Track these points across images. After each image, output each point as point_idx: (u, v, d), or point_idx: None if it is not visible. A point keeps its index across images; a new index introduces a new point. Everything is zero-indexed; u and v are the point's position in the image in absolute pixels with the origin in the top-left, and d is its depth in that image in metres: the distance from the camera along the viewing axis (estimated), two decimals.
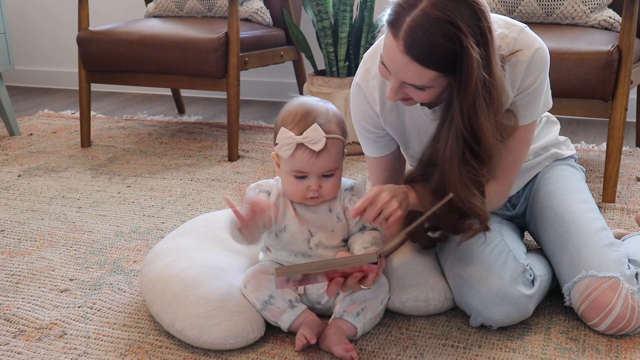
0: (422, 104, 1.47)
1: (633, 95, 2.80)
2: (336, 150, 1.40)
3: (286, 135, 1.38)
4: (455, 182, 1.35)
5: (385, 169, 1.62)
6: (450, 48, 1.24)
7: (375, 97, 1.51)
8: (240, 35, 2.68)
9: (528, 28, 1.42)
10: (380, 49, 1.47)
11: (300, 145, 1.37)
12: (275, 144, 1.43)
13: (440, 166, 1.37)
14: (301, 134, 1.37)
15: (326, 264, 1.31)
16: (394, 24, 1.28)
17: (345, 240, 1.48)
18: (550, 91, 1.50)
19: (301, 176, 1.40)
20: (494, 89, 1.30)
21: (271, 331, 1.46)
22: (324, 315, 1.48)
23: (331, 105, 1.46)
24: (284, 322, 1.42)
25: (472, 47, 1.24)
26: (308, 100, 1.44)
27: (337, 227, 1.46)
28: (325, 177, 1.41)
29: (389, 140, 1.59)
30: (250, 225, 1.38)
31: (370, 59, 1.52)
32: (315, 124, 1.37)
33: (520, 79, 1.39)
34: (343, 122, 1.44)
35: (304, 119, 1.38)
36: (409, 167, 1.81)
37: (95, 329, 1.50)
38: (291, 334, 1.45)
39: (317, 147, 1.37)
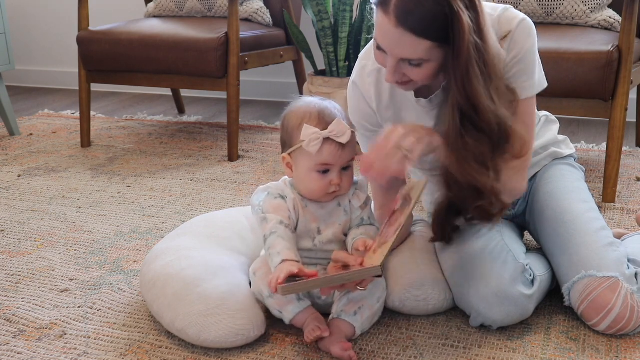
0: (417, 96, 1.49)
1: (633, 95, 2.80)
2: (354, 141, 1.44)
3: (312, 131, 1.39)
4: (454, 156, 1.34)
5: None
6: (440, 12, 1.25)
7: (371, 94, 1.53)
8: (240, 35, 2.68)
9: (512, 8, 1.45)
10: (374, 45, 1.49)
11: (326, 140, 1.40)
12: (285, 147, 1.46)
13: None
14: (325, 129, 1.39)
15: (331, 280, 1.32)
16: (382, 1, 1.29)
17: (345, 234, 1.50)
18: (543, 72, 1.49)
19: (325, 170, 1.42)
20: (487, 54, 1.31)
21: (272, 331, 1.46)
22: (324, 313, 1.48)
23: (333, 102, 1.49)
24: (289, 313, 1.42)
25: (462, 10, 1.25)
26: (311, 99, 1.47)
27: (343, 221, 1.48)
28: (344, 170, 1.44)
29: None
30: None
31: (365, 57, 1.55)
32: (338, 118, 1.41)
33: (506, 49, 1.40)
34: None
35: (322, 115, 1.42)
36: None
37: (95, 329, 1.50)
38: (292, 333, 1.45)
39: (344, 140, 1.40)
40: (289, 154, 1.45)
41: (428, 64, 1.32)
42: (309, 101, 1.46)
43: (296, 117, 1.43)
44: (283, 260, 1.34)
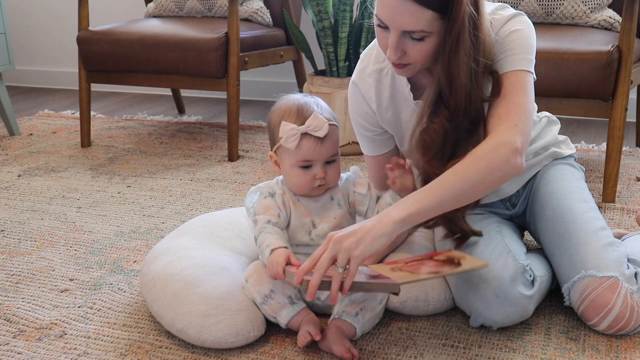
0: (415, 99, 1.49)
1: (633, 95, 2.80)
2: (336, 136, 1.46)
3: (289, 127, 1.42)
4: (425, 126, 1.37)
5: (382, 167, 1.63)
6: None
7: (371, 94, 1.54)
8: (240, 35, 2.68)
9: (509, 6, 1.46)
10: (375, 47, 1.49)
11: (304, 135, 1.42)
12: (272, 145, 1.48)
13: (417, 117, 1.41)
14: (303, 124, 1.42)
15: (352, 286, 1.31)
16: None
17: None
18: (534, 61, 1.44)
19: (307, 166, 1.44)
20: (480, 30, 1.32)
21: (271, 331, 1.46)
22: (323, 313, 1.48)
23: (318, 98, 1.51)
24: (283, 318, 1.42)
25: None
26: (295, 96, 1.50)
27: (338, 215, 1.49)
28: (327, 164, 1.46)
29: (386, 138, 1.61)
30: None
31: (366, 58, 1.56)
32: (315, 113, 1.43)
33: (496, 30, 1.40)
34: (332, 111, 1.50)
35: (301, 112, 1.44)
36: None
37: (95, 329, 1.50)
38: (292, 334, 1.45)
39: (321, 134, 1.42)
40: (275, 152, 1.48)
41: (430, 38, 1.32)
42: (291, 98, 1.49)
43: (277, 115, 1.47)
44: (272, 250, 1.37)
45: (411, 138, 1.43)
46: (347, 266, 1.26)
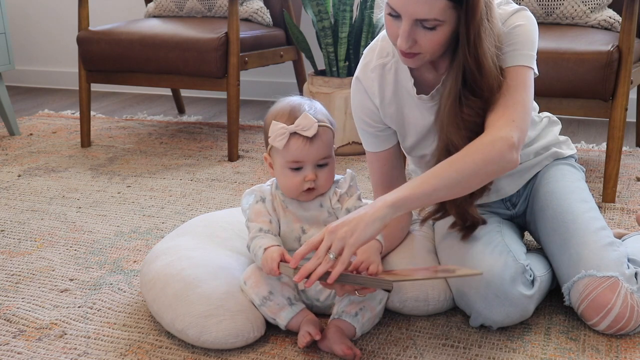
0: (418, 93, 1.49)
1: (633, 95, 2.80)
2: (327, 138, 1.45)
3: (278, 127, 1.42)
4: (450, 120, 1.36)
5: (384, 164, 1.63)
6: None
7: (374, 89, 1.54)
8: (240, 35, 2.68)
9: (512, 2, 1.47)
10: (379, 43, 1.49)
11: (293, 135, 1.41)
12: (267, 145, 1.48)
13: (440, 109, 1.40)
14: (292, 124, 1.42)
15: (342, 278, 1.31)
16: None
17: None
18: (536, 57, 1.45)
19: (297, 167, 1.44)
20: (492, 16, 1.34)
21: (271, 331, 1.46)
22: (322, 314, 1.48)
23: (315, 101, 1.50)
24: (282, 319, 1.42)
25: None
26: (292, 98, 1.50)
27: (329, 222, 1.47)
28: (319, 167, 1.45)
29: (389, 135, 1.61)
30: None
31: (369, 53, 1.56)
32: (305, 112, 1.42)
33: (500, 26, 1.41)
34: (329, 114, 1.49)
35: (293, 112, 1.44)
36: (409, 166, 1.82)
37: (95, 329, 1.50)
38: (292, 334, 1.45)
39: (310, 133, 1.41)
40: (269, 153, 1.48)
41: (442, 27, 1.32)
42: (287, 100, 1.49)
43: (271, 116, 1.47)
44: (265, 249, 1.38)
45: (443, 137, 1.41)
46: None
